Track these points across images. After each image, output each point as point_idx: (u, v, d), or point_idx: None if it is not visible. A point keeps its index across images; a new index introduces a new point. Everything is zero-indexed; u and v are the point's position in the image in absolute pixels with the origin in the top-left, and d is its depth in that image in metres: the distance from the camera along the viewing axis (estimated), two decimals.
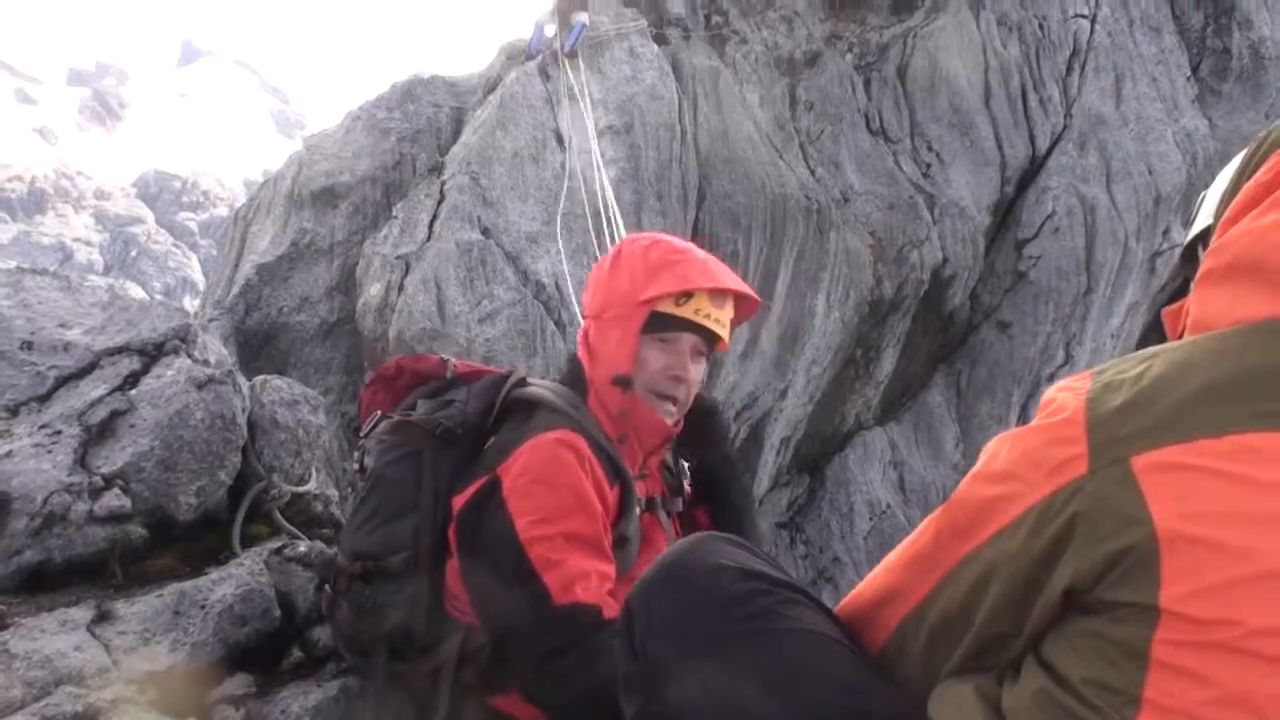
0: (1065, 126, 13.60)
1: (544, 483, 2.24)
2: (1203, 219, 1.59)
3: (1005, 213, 13.26)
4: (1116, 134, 13.70)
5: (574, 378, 2.60)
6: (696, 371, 2.58)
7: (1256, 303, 1.27)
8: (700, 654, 1.53)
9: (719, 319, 2.51)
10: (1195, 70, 15.20)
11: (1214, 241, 1.40)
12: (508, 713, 2.32)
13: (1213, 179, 1.64)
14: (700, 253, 2.54)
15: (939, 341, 13.25)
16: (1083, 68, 14.06)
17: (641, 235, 2.60)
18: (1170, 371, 1.23)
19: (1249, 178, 1.42)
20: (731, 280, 2.53)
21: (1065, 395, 1.31)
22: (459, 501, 2.30)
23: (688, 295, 2.46)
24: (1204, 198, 1.63)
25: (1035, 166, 13.33)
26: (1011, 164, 13.07)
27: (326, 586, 2.54)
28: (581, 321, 2.67)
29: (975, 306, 13.29)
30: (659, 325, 2.47)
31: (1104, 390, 1.27)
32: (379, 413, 2.65)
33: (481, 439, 2.43)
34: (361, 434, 2.64)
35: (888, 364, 12.58)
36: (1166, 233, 13.58)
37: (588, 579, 2.15)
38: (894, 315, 12.25)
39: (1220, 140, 13.98)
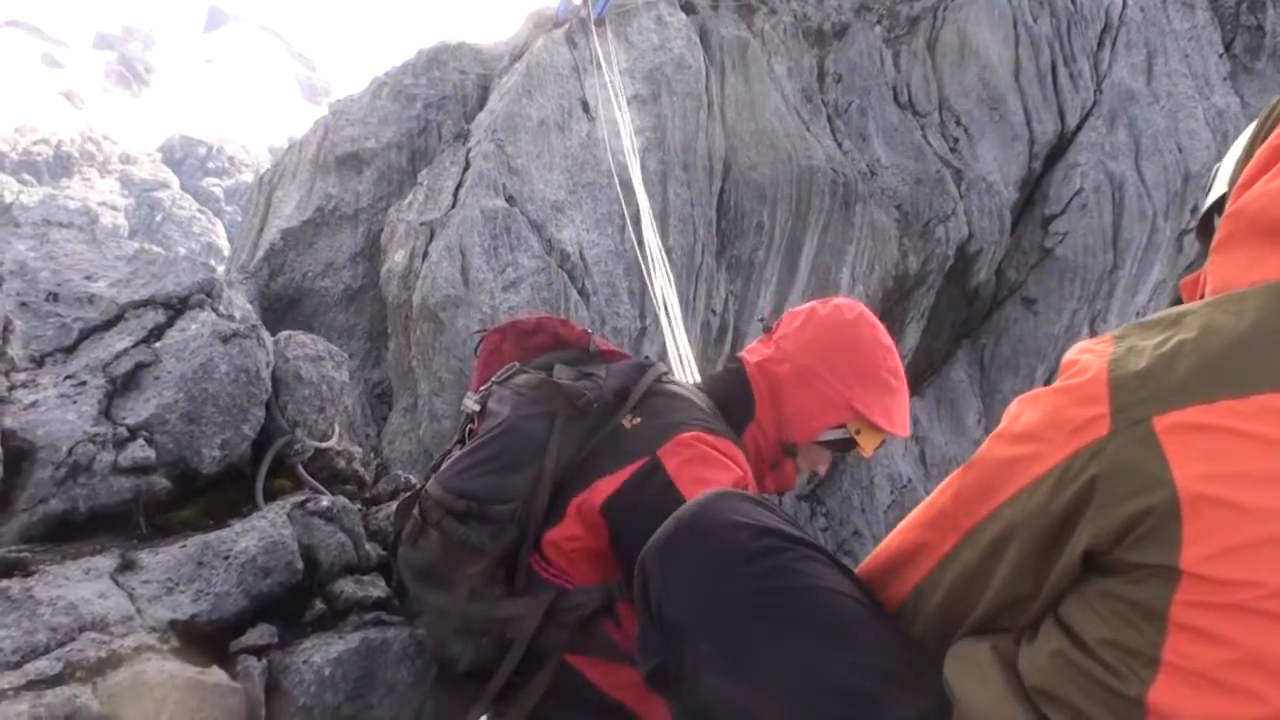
0: (1095, 102, 13.47)
1: (715, 468, 2.27)
2: (1218, 188, 1.58)
3: (1033, 188, 13.16)
4: (1147, 111, 13.56)
5: (737, 399, 2.63)
6: None
7: (1275, 263, 1.26)
8: (715, 613, 1.52)
9: None
10: (1228, 47, 15.01)
11: (1229, 207, 1.39)
12: (583, 672, 2.32)
13: None
14: (904, 383, 2.69)
15: (963, 317, 13.18)
16: (1114, 43, 13.90)
17: (877, 324, 2.68)
18: (1192, 333, 1.22)
19: (1261, 143, 1.41)
20: (907, 425, 2.70)
21: (1088, 357, 1.31)
22: (605, 488, 2.29)
23: (880, 430, 2.62)
24: (1219, 168, 1.62)
25: (1064, 142, 13.21)
26: (1040, 139, 12.95)
27: (415, 512, 2.54)
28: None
29: (1000, 282, 13.21)
30: (844, 445, 2.65)
31: (1127, 353, 1.26)
32: (516, 364, 2.67)
33: (608, 418, 2.43)
34: (496, 378, 2.65)
35: (911, 338, 12.52)
36: (1194, 211, 13.44)
37: None
38: (919, 290, 12.19)
39: (1252, 118, 13.74)
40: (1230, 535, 1.13)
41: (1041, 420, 1.31)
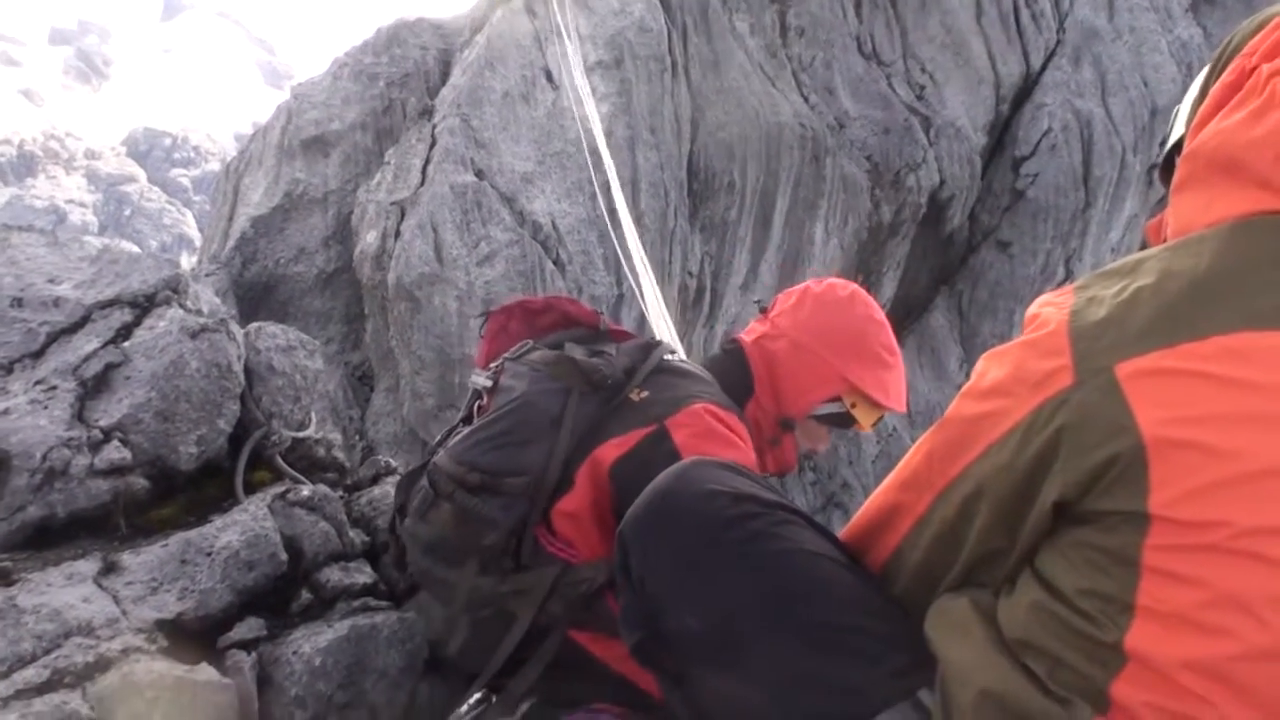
0: (1059, 41, 13.46)
1: (722, 445, 2.28)
2: (1178, 130, 1.57)
3: (1001, 131, 13.17)
4: (1110, 47, 13.56)
5: (736, 376, 2.68)
6: None
7: (1230, 201, 1.26)
8: (696, 582, 1.52)
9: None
10: None
11: (1186, 147, 1.38)
12: (585, 646, 2.33)
13: None
14: (900, 360, 2.75)
15: (939, 264, 13.21)
16: None
17: (870, 302, 2.75)
18: (1150, 279, 1.23)
19: (1215, 81, 1.40)
20: (903, 400, 2.73)
21: (1049, 310, 1.31)
22: (614, 450, 2.32)
23: (876, 405, 2.67)
24: (1179, 109, 1.61)
25: (1029, 83, 13.21)
26: (1005, 82, 12.94)
27: (425, 484, 2.53)
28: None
29: (974, 227, 13.23)
30: (841, 420, 2.71)
31: (1088, 303, 1.26)
32: (529, 341, 2.68)
33: (618, 394, 2.47)
34: (508, 354, 2.65)
35: (889, 288, 12.55)
36: (1163, 145, 13.47)
37: None
38: (893, 239, 12.20)
39: (1215, 49, 13.83)
40: (1196, 477, 1.13)
41: (1006, 376, 1.31)
